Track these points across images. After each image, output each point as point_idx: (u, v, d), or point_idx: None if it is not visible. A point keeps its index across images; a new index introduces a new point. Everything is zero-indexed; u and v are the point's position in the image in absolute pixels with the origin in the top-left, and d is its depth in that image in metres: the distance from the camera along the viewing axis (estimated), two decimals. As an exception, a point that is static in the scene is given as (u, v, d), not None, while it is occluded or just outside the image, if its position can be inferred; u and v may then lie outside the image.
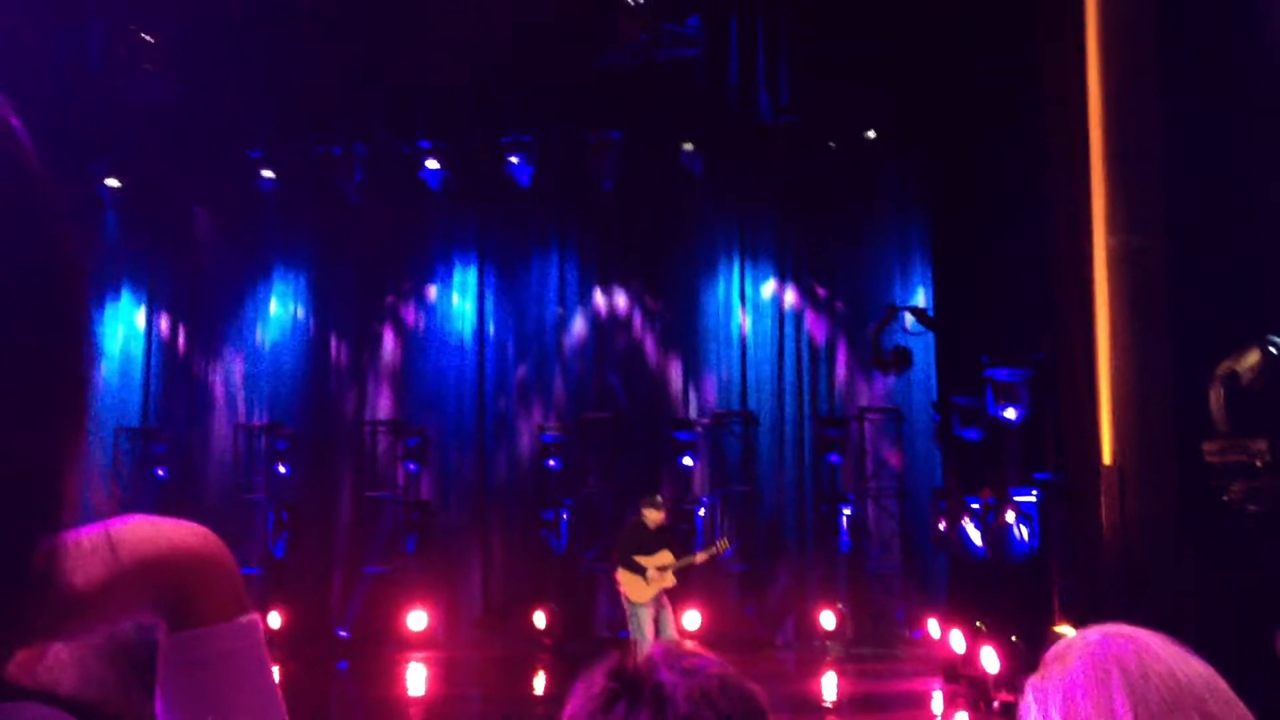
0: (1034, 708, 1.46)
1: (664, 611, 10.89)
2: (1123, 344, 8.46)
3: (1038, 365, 10.67)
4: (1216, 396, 7.63)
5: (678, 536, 11.18)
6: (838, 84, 14.64)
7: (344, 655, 14.81)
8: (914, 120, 14.52)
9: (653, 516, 11.13)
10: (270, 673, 0.94)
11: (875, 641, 14.55)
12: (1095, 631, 1.50)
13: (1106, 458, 8.46)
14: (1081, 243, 8.83)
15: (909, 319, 14.32)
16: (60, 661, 1.32)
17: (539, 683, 12.79)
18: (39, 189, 0.80)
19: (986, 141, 12.40)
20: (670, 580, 10.85)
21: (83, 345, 0.79)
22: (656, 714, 1.36)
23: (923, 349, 15.44)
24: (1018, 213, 11.00)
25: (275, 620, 15.35)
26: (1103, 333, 8.56)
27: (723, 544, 11.64)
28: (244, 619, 0.93)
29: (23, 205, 0.78)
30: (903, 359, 14.49)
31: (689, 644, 1.48)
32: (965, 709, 10.58)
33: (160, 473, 16.34)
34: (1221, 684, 1.43)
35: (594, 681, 1.42)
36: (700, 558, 11.24)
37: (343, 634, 15.52)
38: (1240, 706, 1.42)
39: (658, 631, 10.77)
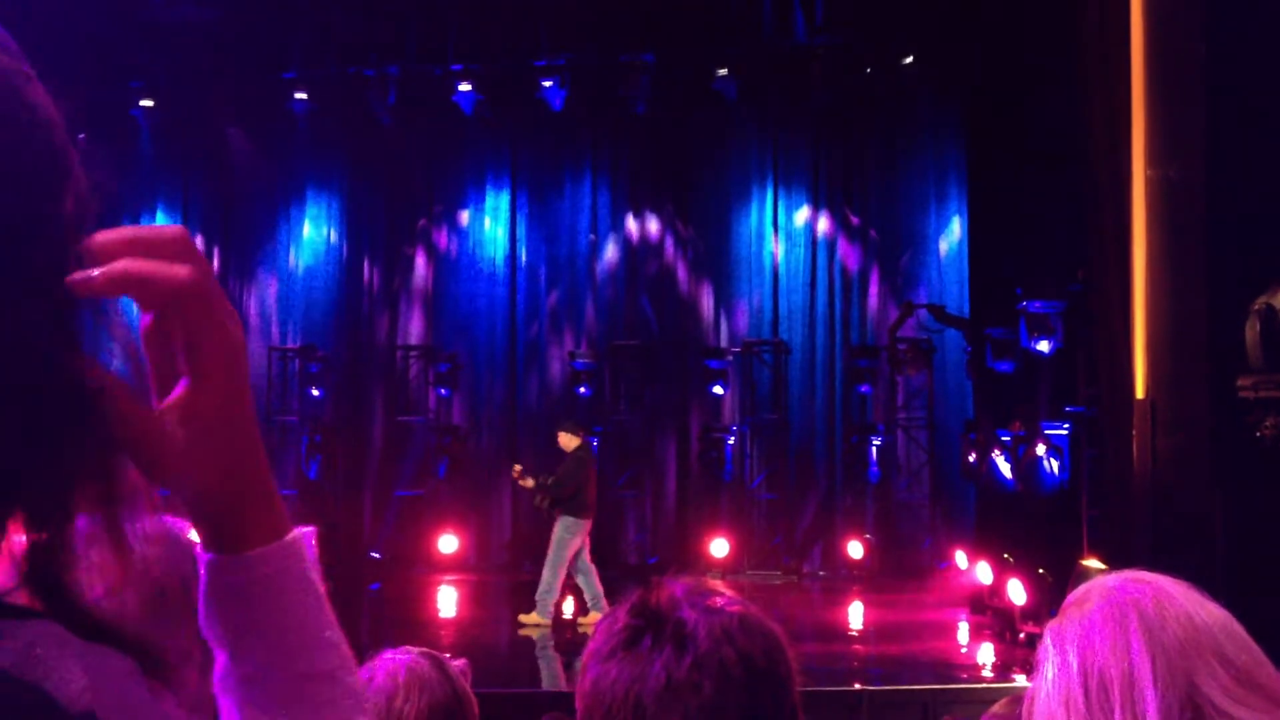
0: (1052, 651, 1.48)
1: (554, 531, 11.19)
2: (1159, 277, 8.38)
3: (1072, 297, 10.60)
4: (1252, 331, 7.57)
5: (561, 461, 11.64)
6: (873, 6, 14.46)
7: (376, 576, 15.00)
8: (952, 45, 14.32)
9: (560, 439, 11.61)
10: (315, 589, 0.92)
11: (902, 572, 14.60)
12: (1114, 577, 1.51)
13: (1139, 391, 8.42)
14: (1120, 174, 8.73)
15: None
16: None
17: (567, 607, 12.93)
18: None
19: (1025, 69, 12.23)
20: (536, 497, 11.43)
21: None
22: (678, 651, 1.38)
23: (957, 279, 15.36)
24: (1055, 142, 10.87)
25: (308, 541, 15.52)
26: (1139, 266, 8.48)
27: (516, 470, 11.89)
28: (289, 539, 0.91)
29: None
30: (922, 355, 14.47)
31: (712, 581, 1.50)
32: (991, 640, 10.64)
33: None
34: (1238, 628, 1.44)
35: (616, 618, 1.44)
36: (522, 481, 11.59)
37: (375, 555, 15.72)
38: (1257, 650, 1.43)
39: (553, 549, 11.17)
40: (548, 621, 11.17)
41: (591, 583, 11.27)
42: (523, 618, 11.37)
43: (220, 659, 0.89)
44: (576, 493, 11.17)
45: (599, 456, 15.49)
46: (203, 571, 0.89)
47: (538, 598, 11.20)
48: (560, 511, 11.15)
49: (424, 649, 2.42)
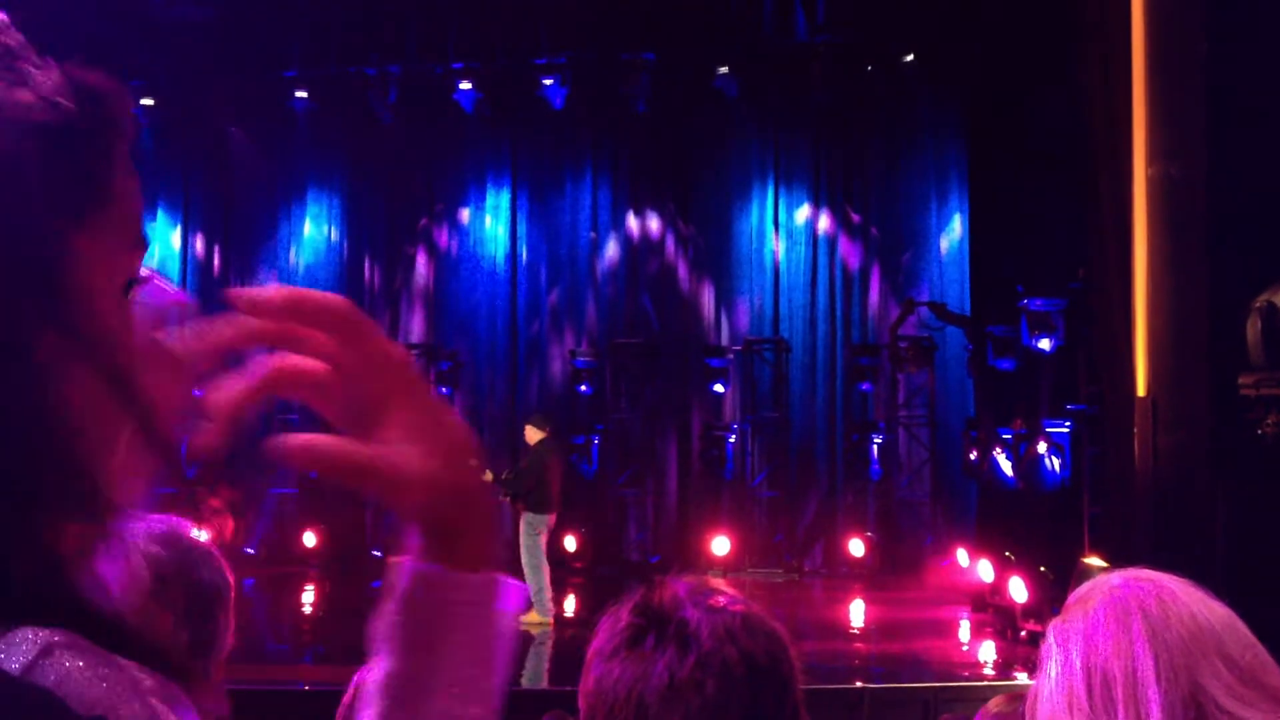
0: (1055, 650, 1.48)
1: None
2: (1159, 275, 8.38)
3: (1073, 295, 10.59)
4: (1253, 329, 7.57)
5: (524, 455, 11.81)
6: (874, 4, 14.46)
7: (379, 575, 14.97)
8: (952, 44, 14.31)
9: (526, 432, 11.60)
10: (499, 634, 0.91)
11: (904, 569, 14.59)
12: (1118, 575, 1.51)
13: (1140, 389, 8.42)
14: (1121, 172, 8.72)
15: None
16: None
17: (569, 605, 12.94)
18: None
19: (1026, 67, 12.22)
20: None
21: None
22: (681, 650, 1.38)
23: (958, 277, 15.36)
24: (1056, 140, 10.87)
25: (311, 540, 15.58)
26: (1140, 263, 8.48)
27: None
28: (493, 575, 0.90)
29: None
30: (923, 353, 14.46)
31: (715, 580, 1.50)
32: (992, 638, 10.64)
33: (198, 393, 16.45)
34: (1242, 627, 1.44)
35: (619, 617, 1.44)
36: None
37: (377, 554, 15.70)
38: (1261, 649, 1.43)
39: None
40: (548, 620, 11.16)
41: (545, 585, 11.25)
42: (522, 618, 11.35)
43: (379, 667, 0.89)
44: (537, 486, 11.15)
45: (599, 456, 15.53)
46: (405, 578, 0.90)
47: (533, 598, 11.20)
48: (523, 507, 11.14)
49: None
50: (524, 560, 11.13)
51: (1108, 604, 1.45)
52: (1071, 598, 1.52)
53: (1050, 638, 1.49)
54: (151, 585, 1.41)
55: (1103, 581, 1.50)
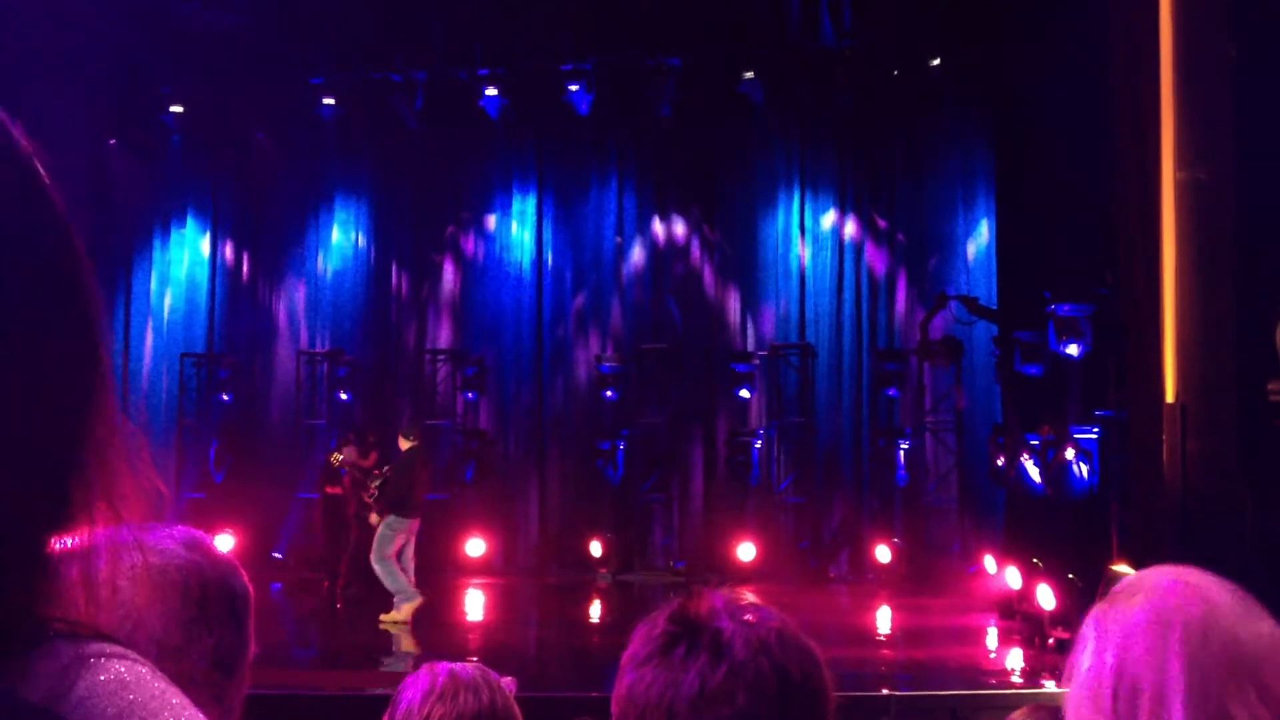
0: (1091, 641, 1.48)
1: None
2: (1188, 280, 8.33)
3: (1101, 301, 10.54)
4: (1283, 335, 7.52)
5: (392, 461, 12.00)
6: (901, 8, 14.43)
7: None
8: (979, 48, 14.28)
9: (399, 441, 11.76)
10: None
11: (930, 576, 14.54)
12: (1167, 575, 1.50)
13: (1169, 395, 8.37)
14: (1148, 176, 8.68)
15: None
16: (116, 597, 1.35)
17: (595, 610, 12.94)
18: (31, 181, 0.80)
19: (1053, 71, 12.17)
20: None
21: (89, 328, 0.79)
22: (714, 659, 1.39)
23: (985, 282, 15.29)
24: (1083, 144, 10.82)
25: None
26: (1168, 268, 8.44)
27: (336, 457, 11.96)
28: None
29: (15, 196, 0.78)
30: (952, 349, 14.40)
31: (749, 595, 1.50)
32: (1020, 645, 10.59)
33: (225, 398, 16.59)
34: None
35: (655, 624, 1.45)
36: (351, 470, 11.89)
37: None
38: None
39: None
40: (406, 618, 11.21)
41: (399, 580, 11.27)
42: (383, 617, 11.36)
43: None
44: (401, 492, 11.34)
45: (624, 461, 15.54)
46: None
47: (395, 596, 11.29)
48: (388, 510, 11.26)
49: (476, 662, 2.45)
50: (373, 557, 11.25)
51: (1150, 609, 1.45)
52: (1119, 588, 1.51)
53: (1089, 626, 1.49)
54: (184, 593, 1.42)
55: (1152, 579, 1.50)
